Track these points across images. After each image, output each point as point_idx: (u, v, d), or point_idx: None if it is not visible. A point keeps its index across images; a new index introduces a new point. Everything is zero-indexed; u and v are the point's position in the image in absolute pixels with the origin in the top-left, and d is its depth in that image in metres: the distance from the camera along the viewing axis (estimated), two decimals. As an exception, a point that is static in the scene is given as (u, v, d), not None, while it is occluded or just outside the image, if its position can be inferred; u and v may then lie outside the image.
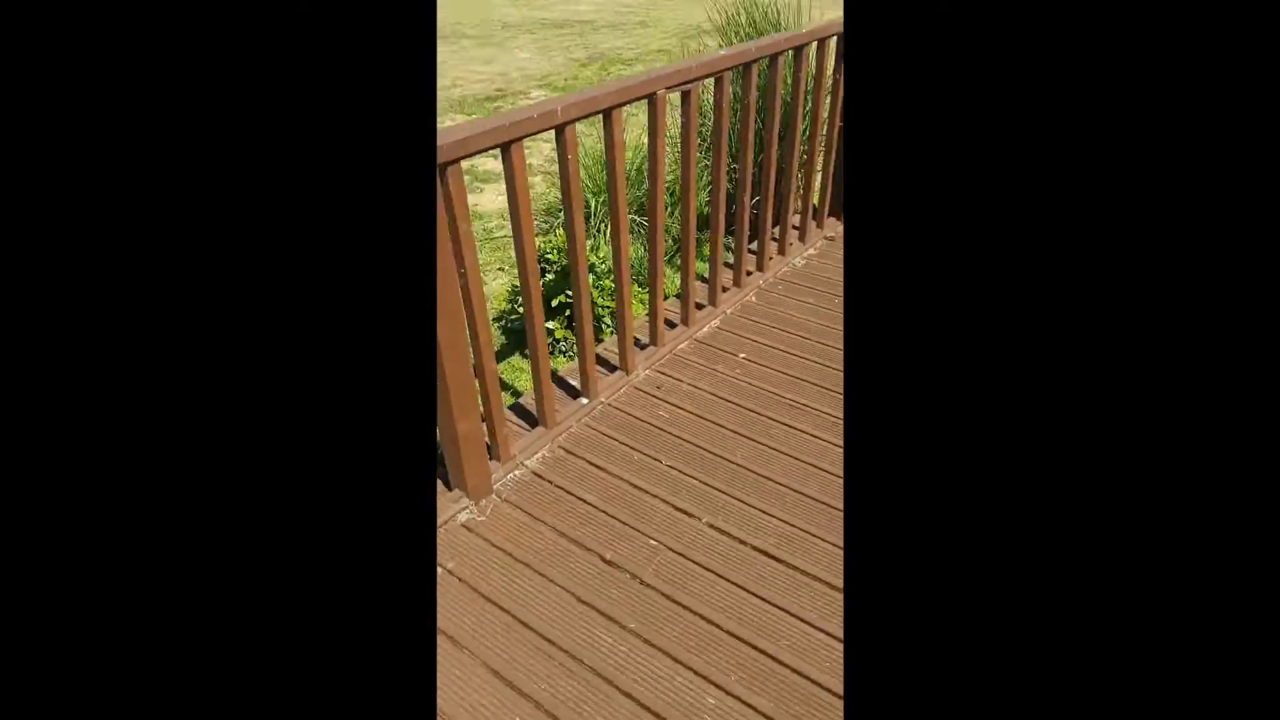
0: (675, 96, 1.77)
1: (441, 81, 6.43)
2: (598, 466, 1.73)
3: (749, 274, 2.49)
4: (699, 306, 2.31)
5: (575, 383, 1.96)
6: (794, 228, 2.72)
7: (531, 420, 1.83)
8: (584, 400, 1.90)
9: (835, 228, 2.83)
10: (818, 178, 2.70)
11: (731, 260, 2.53)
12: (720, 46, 3.07)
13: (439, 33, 8.42)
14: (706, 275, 2.31)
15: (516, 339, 2.70)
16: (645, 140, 2.49)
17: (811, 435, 1.81)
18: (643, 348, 2.13)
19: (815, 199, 2.78)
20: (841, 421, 1.83)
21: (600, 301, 2.44)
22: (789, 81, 2.24)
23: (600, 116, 1.58)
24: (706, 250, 2.27)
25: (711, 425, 1.85)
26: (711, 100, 2.39)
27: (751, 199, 2.41)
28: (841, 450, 1.72)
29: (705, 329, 2.25)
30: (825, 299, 2.39)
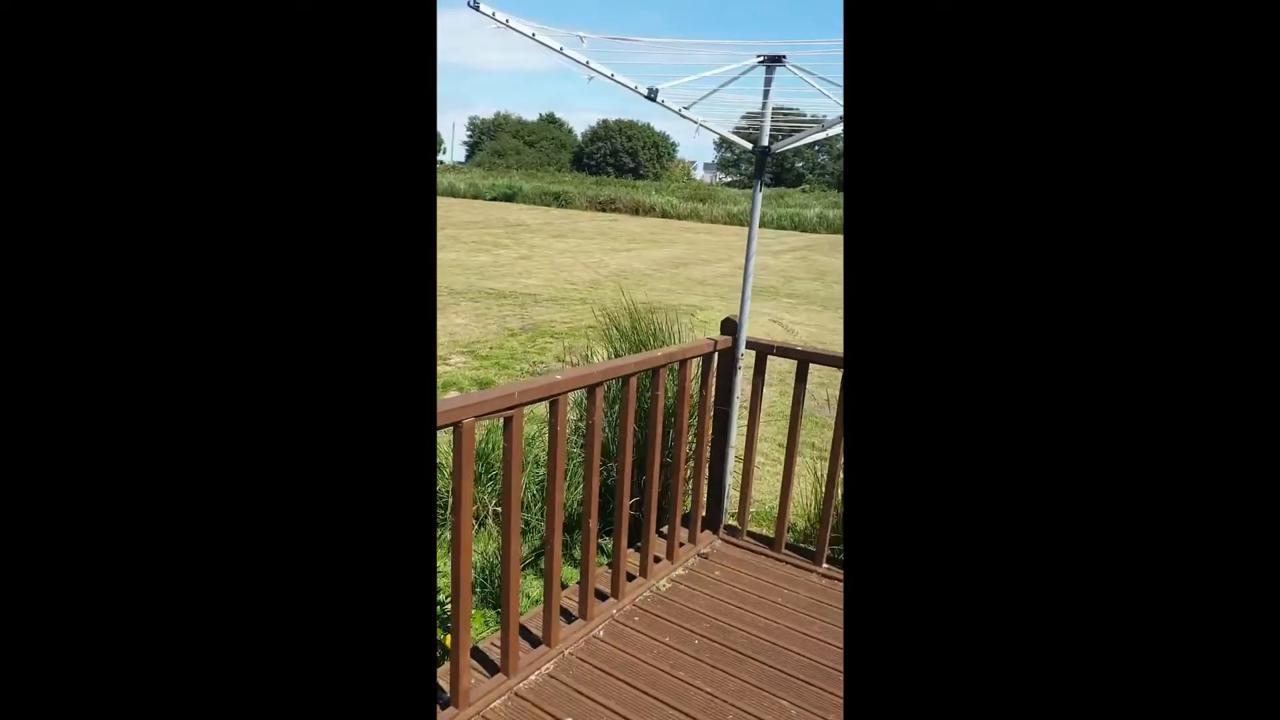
0: (542, 408, 1.62)
1: (366, 341, 6.52)
2: None
3: (603, 598, 2.17)
4: (532, 643, 1.94)
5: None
6: (661, 534, 2.47)
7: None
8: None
9: (710, 542, 2.60)
10: (688, 489, 2.54)
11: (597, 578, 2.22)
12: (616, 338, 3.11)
13: (384, 294, 8.83)
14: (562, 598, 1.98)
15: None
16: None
17: None
18: (444, 706, 1.70)
19: (688, 510, 2.58)
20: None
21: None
22: (645, 398, 2.16)
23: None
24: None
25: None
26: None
27: (602, 517, 2.18)
28: None
29: (532, 677, 1.85)
30: (684, 639, 2.05)
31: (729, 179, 47.16)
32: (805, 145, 2.23)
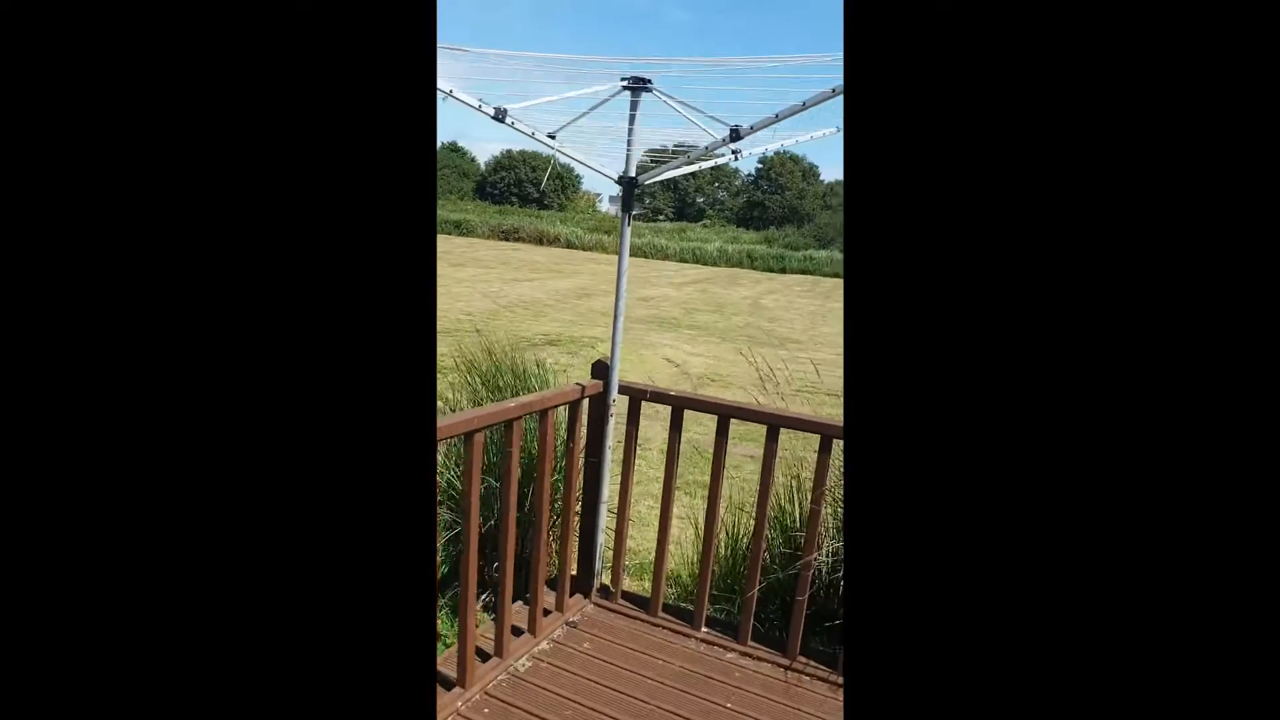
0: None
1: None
2: None
3: (449, 686, 1.87)
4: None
5: None
6: (528, 601, 2.20)
7: None
8: None
9: (580, 608, 2.35)
10: (555, 551, 2.29)
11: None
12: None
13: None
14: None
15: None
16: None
17: None
18: None
19: (555, 573, 2.33)
20: None
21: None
22: (493, 454, 1.91)
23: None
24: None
25: None
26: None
27: (449, 588, 1.89)
28: None
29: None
30: (540, 732, 1.79)
31: (635, 212, 47.80)
32: (679, 176, 2.10)
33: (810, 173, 45.03)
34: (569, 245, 27.72)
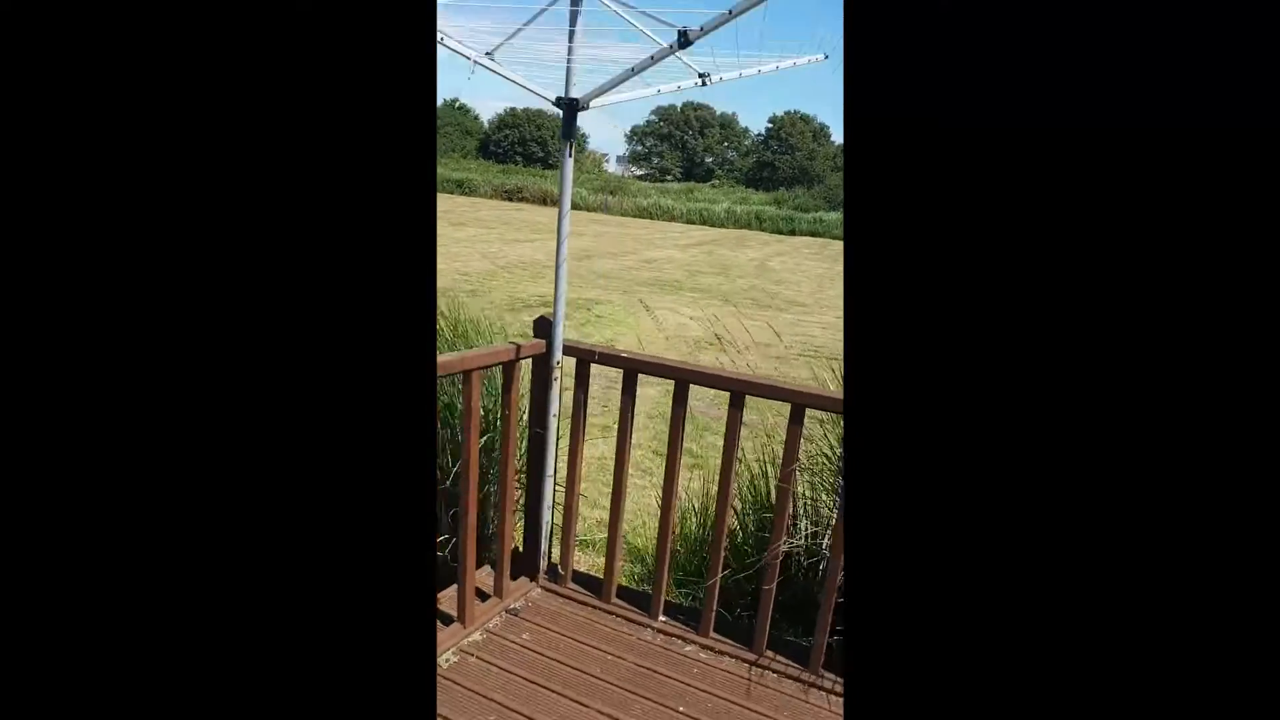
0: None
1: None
2: None
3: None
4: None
5: None
6: (452, 590, 1.95)
7: None
8: None
9: (525, 592, 2.10)
10: (494, 529, 2.03)
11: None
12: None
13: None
14: None
15: None
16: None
17: None
18: None
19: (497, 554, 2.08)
20: None
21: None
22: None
23: None
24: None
25: None
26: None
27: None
28: None
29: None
30: (454, 742, 1.55)
31: (641, 172, 46.94)
32: (635, 99, 1.78)
33: (821, 133, 43.86)
34: (573, 206, 27.18)
